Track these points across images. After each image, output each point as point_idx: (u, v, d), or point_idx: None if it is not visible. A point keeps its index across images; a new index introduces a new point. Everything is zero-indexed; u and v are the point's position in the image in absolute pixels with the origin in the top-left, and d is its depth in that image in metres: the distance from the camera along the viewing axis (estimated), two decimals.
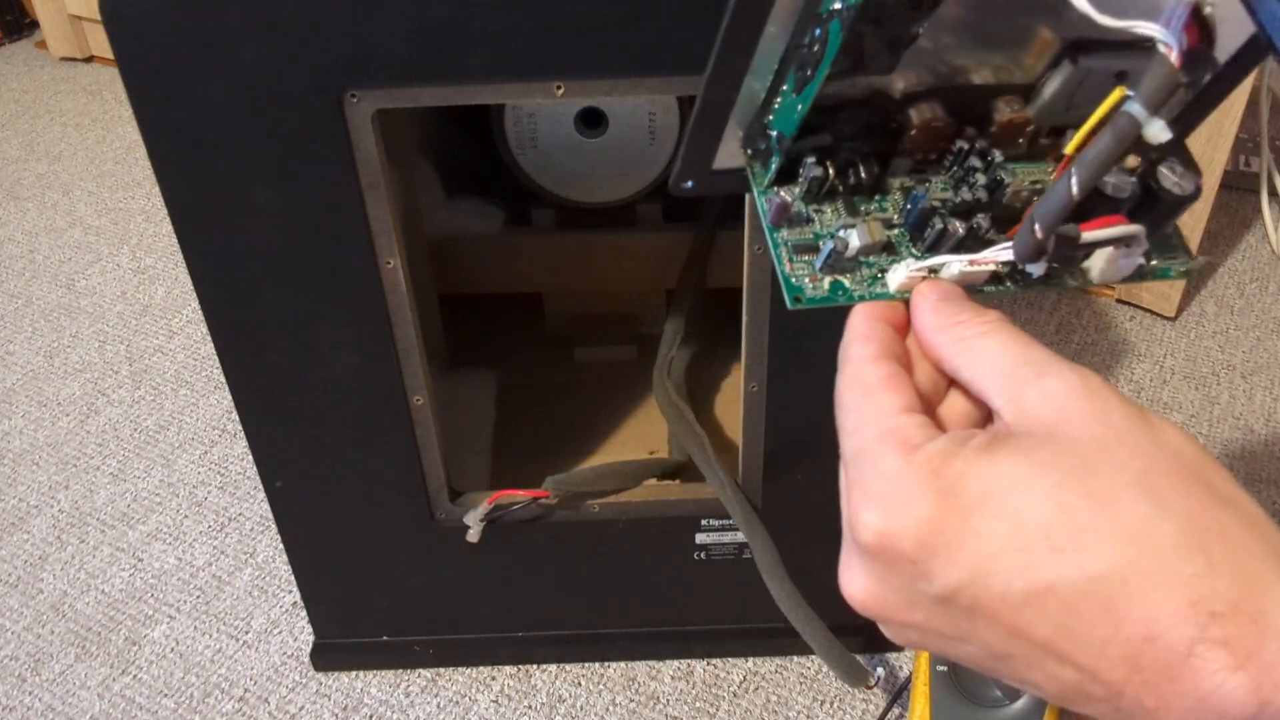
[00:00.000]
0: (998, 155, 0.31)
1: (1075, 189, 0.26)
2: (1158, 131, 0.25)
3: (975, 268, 0.30)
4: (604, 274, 0.79)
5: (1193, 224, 0.91)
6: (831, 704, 0.69)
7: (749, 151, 0.32)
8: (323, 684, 0.71)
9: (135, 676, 0.72)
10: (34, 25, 1.58)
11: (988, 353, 0.27)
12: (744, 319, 0.55)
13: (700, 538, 0.66)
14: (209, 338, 0.55)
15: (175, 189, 0.49)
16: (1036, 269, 0.29)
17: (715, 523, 0.65)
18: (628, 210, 0.78)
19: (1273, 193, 1.11)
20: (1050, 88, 0.30)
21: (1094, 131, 0.27)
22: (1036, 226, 0.27)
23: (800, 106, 0.29)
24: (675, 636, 0.71)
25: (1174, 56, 0.25)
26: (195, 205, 0.50)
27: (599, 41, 0.46)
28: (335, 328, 0.54)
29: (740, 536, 0.65)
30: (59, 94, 1.45)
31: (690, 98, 0.33)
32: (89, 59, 1.53)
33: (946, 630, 0.26)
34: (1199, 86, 0.28)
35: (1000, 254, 0.29)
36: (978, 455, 0.25)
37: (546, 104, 0.71)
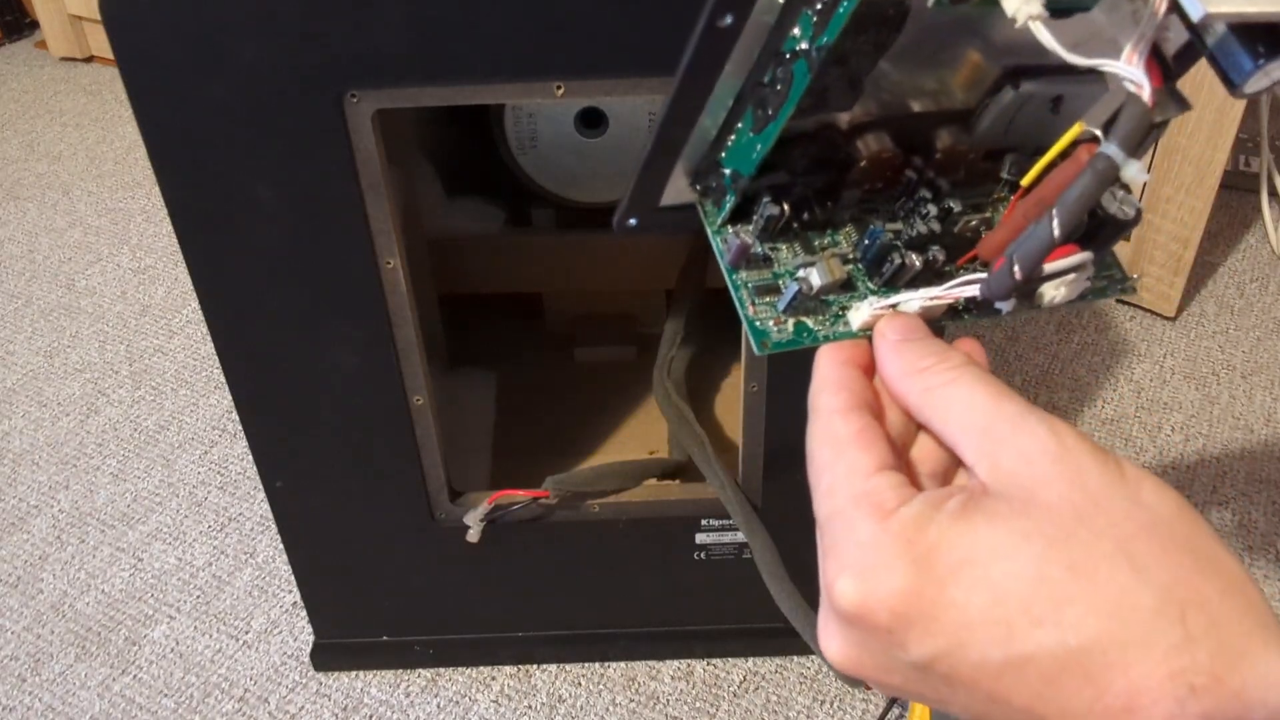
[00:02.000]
0: (943, 184, 0.31)
1: (1057, 232, 0.26)
2: (1136, 173, 0.25)
3: (936, 302, 0.29)
4: (604, 274, 0.79)
5: (1193, 223, 0.91)
6: (831, 704, 0.69)
7: (699, 189, 0.31)
8: (323, 684, 0.71)
9: (135, 676, 0.72)
10: (34, 25, 1.58)
11: (957, 405, 0.27)
12: None
13: (700, 538, 0.66)
14: (209, 338, 0.55)
15: (175, 189, 0.49)
16: (1005, 305, 0.29)
17: (715, 523, 0.65)
18: None
19: (1273, 193, 1.11)
20: (991, 113, 0.30)
21: (1050, 166, 0.27)
22: (1016, 269, 0.27)
23: (760, 146, 0.29)
24: (675, 636, 0.71)
25: (1146, 96, 0.25)
26: (195, 205, 0.50)
27: (599, 41, 0.46)
28: (335, 328, 0.54)
29: (740, 536, 0.65)
30: (59, 94, 1.45)
31: None
32: (89, 59, 1.53)
33: (926, 693, 0.26)
34: (1168, 124, 0.28)
35: (963, 290, 0.29)
36: (954, 521, 0.24)
37: (546, 104, 0.71)
